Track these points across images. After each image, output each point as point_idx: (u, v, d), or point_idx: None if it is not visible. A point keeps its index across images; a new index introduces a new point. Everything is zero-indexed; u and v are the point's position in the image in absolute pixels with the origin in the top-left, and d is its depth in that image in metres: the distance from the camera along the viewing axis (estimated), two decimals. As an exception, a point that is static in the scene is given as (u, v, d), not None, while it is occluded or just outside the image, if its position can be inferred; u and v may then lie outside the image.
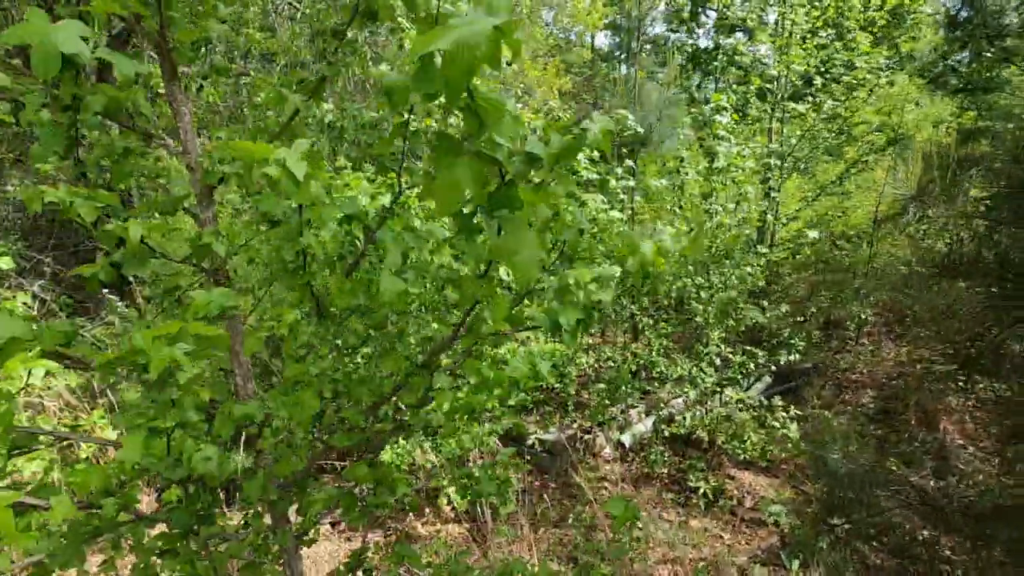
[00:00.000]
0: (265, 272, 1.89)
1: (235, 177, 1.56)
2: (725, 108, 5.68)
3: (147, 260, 1.40)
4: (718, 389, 6.13)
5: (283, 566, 2.10)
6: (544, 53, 14.11)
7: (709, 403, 6.23)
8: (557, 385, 6.32)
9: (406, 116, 1.49)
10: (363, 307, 1.51)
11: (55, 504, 1.22)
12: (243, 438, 2.45)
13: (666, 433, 5.99)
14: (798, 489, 5.57)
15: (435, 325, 1.76)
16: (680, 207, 6.26)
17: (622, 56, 24.07)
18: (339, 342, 1.74)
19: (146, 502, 4.32)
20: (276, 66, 7.30)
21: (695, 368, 6.00)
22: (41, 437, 1.57)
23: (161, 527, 1.76)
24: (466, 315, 1.49)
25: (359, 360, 1.89)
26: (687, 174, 6.27)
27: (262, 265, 1.79)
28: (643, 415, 6.75)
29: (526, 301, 1.65)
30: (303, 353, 1.55)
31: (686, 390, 6.58)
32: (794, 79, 7.59)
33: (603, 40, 24.23)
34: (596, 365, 6.83)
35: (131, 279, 5.63)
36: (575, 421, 6.37)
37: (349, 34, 1.73)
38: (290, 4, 7.86)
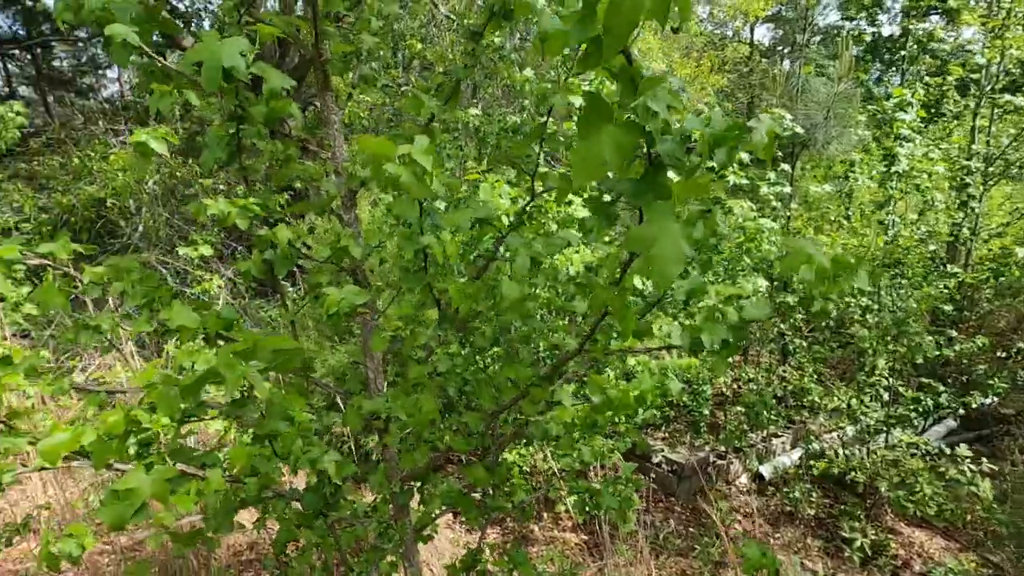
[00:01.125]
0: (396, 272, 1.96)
1: (373, 180, 1.62)
2: (910, 103, 4.88)
3: (294, 260, 1.50)
4: (884, 428, 5.30)
5: (402, 556, 2.17)
6: (698, 49, 13.38)
7: (871, 442, 5.41)
8: (690, 403, 5.92)
9: (544, 118, 1.44)
10: (486, 313, 1.49)
11: (209, 476, 1.35)
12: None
13: (815, 470, 5.31)
14: (986, 560, 4.61)
15: (561, 334, 1.70)
16: (847, 217, 5.51)
17: (784, 51, 22.02)
18: (466, 344, 1.75)
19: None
20: (434, 74, 7.76)
21: (856, 400, 5.24)
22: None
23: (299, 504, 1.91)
24: (595, 326, 1.39)
25: (488, 360, 1.88)
26: (857, 180, 5.50)
27: (392, 265, 1.86)
28: (788, 446, 6.07)
29: (660, 314, 1.51)
30: (422, 355, 1.58)
31: (843, 424, 5.78)
32: (1011, 66, 6.30)
33: (763, 34, 22.35)
34: (735, 386, 6.28)
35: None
36: (708, 443, 5.92)
37: (497, 39, 1.73)
38: (448, 17, 8.33)
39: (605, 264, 1.23)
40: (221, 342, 1.66)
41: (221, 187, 7.60)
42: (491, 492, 2.25)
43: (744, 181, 5.23)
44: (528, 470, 4.82)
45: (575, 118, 4.22)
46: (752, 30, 20.45)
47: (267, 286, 7.61)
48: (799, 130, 6.51)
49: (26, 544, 3.72)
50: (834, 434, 5.76)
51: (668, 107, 0.85)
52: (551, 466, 4.82)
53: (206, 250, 4.55)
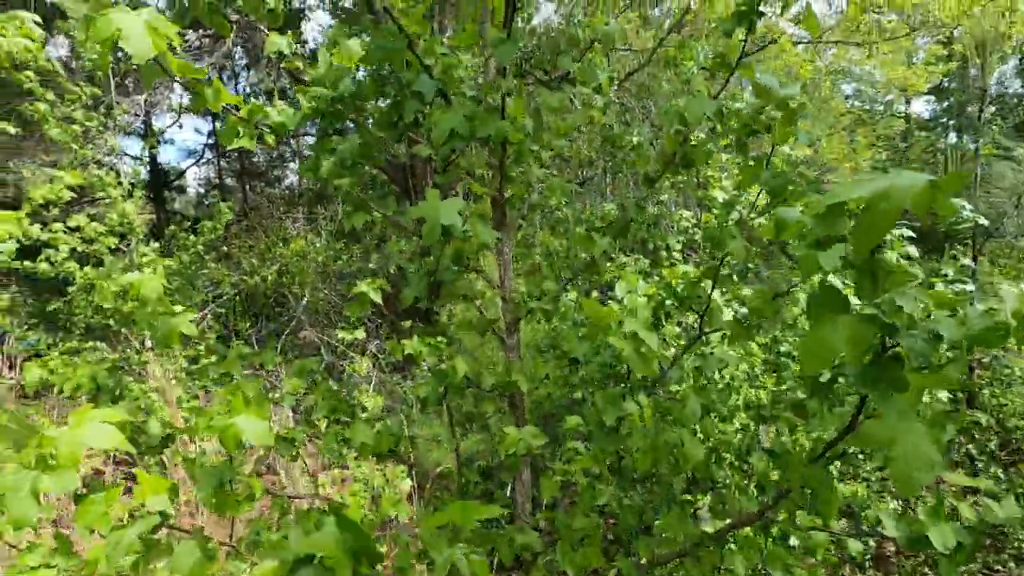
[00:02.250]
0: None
1: (541, 312, 1.68)
2: None
3: (464, 389, 1.57)
4: None
5: None
6: (845, 127, 12.63)
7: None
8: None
9: (718, 261, 1.40)
10: (660, 472, 1.42)
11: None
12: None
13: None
14: None
15: (738, 497, 1.56)
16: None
17: (949, 122, 20.01)
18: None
19: None
20: (567, 166, 8.11)
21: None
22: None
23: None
24: (779, 496, 1.26)
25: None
26: (1070, 280, 4.64)
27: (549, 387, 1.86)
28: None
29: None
30: (593, 512, 1.52)
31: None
32: None
33: (920, 106, 20.66)
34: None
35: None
36: (877, 584, 4.99)
37: (636, 139, 1.77)
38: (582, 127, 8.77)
39: (800, 433, 1.12)
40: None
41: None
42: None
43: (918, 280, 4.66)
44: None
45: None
46: (908, 103, 18.98)
47: (405, 363, 8.09)
48: (983, 220, 5.76)
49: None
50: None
51: (919, 303, 0.78)
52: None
53: (359, 334, 4.99)
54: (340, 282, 9.35)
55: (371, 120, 1.76)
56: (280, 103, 1.59)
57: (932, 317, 0.83)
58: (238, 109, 1.52)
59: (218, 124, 16.59)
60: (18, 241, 3.35)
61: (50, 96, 4.47)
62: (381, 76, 1.63)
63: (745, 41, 1.47)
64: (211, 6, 1.48)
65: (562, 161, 8.10)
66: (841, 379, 0.94)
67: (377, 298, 1.50)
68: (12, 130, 3.66)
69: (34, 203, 3.72)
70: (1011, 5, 7.00)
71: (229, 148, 1.69)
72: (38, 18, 3.21)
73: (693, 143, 1.52)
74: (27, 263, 4.57)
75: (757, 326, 1.42)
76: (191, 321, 1.49)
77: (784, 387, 3.56)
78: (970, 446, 5.07)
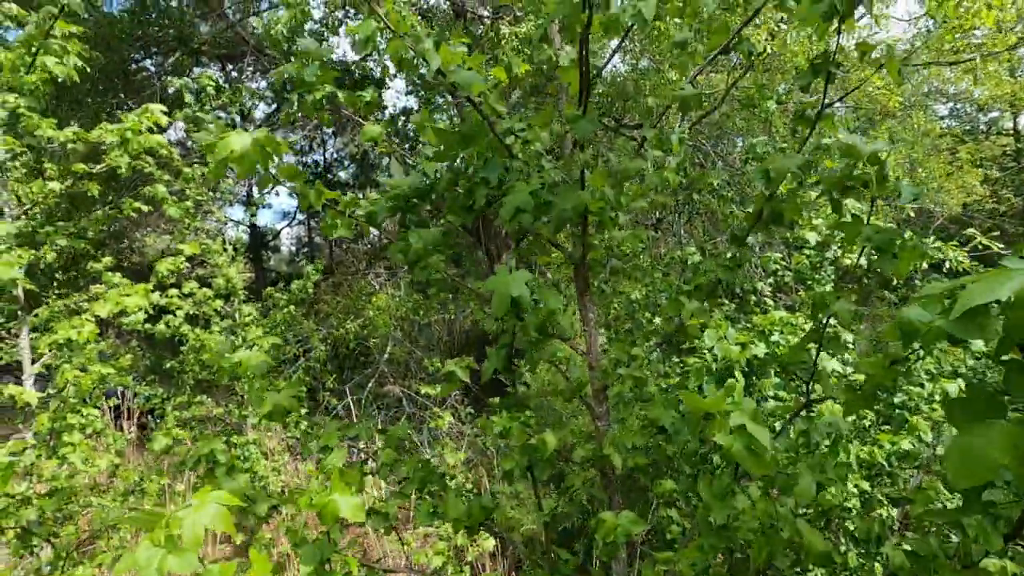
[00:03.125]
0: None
1: (630, 379, 1.62)
2: None
3: (554, 463, 1.53)
4: None
5: None
6: (946, 147, 11.71)
7: None
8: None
9: (823, 324, 1.30)
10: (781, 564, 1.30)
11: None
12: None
13: None
14: None
15: None
16: None
17: (1069, 136, 18.07)
18: None
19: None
20: (637, 221, 8.05)
21: None
22: None
23: None
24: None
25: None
26: None
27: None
28: None
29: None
30: None
31: None
32: None
33: (1032, 122, 18.90)
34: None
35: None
36: None
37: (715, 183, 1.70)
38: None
39: (984, 542, 0.97)
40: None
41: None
42: None
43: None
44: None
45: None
46: (1015, 122, 17.42)
47: (485, 411, 8.10)
48: None
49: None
50: None
51: None
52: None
53: (444, 390, 5.07)
54: (420, 334, 9.63)
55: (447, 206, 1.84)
56: (372, 193, 1.71)
57: None
58: (337, 203, 1.64)
59: (308, 188, 17.97)
60: (144, 309, 3.75)
61: (166, 176, 5.07)
62: (453, 170, 1.72)
63: (825, 92, 1.42)
64: (316, 103, 1.63)
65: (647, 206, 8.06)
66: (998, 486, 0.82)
67: (466, 377, 1.53)
68: (145, 208, 4.16)
69: (160, 275, 4.15)
70: None
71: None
72: (163, 107, 3.68)
73: (781, 198, 1.45)
74: (149, 326, 5.08)
75: (873, 394, 1.29)
76: (292, 393, 1.57)
77: (904, 445, 3.20)
78: None
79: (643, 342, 1.73)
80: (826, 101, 1.47)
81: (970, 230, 4.97)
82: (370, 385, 8.08)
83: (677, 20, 1.78)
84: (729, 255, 1.61)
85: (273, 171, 1.56)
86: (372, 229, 1.77)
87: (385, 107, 14.48)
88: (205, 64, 13.24)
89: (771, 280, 4.79)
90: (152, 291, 4.07)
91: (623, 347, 1.68)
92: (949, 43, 8.40)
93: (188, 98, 4.78)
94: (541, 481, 1.91)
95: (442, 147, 1.69)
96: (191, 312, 5.50)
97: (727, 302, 5.76)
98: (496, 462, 5.63)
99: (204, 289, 5.62)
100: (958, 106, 17.34)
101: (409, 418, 7.68)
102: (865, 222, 1.25)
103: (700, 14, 1.68)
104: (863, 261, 1.95)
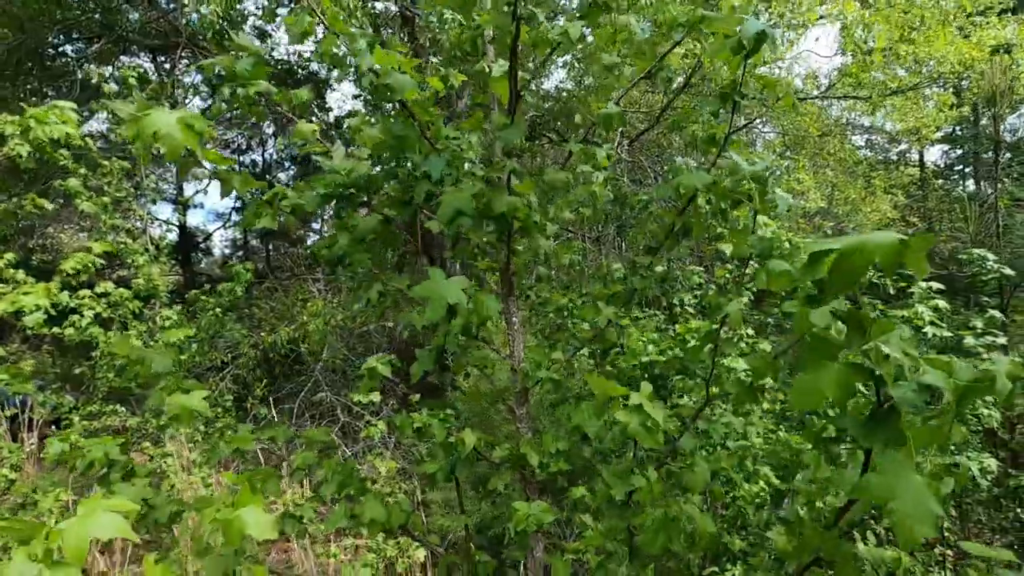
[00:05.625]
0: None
1: (548, 382, 1.67)
2: None
3: (475, 462, 1.55)
4: None
5: None
6: (862, 173, 12.70)
7: None
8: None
9: (718, 326, 1.39)
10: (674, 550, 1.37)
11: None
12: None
13: None
14: None
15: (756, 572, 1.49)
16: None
17: (965, 170, 20.01)
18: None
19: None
20: (574, 234, 8.23)
21: None
22: None
23: None
24: (801, 570, 1.20)
25: None
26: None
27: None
28: None
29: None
30: None
31: None
32: None
33: (935, 155, 20.75)
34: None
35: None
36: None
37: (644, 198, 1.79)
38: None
39: (813, 496, 1.09)
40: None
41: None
42: None
43: (946, 333, 4.57)
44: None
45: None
46: (921, 154, 19.11)
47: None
48: (1008, 271, 5.66)
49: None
50: None
51: (904, 352, 0.79)
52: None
53: (375, 396, 4.98)
54: (359, 341, 9.41)
55: (386, 199, 1.84)
56: (300, 183, 1.68)
57: (921, 370, 0.83)
58: (262, 193, 1.60)
59: (244, 188, 17.30)
60: (45, 309, 3.48)
61: (82, 170, 4.74)
62: (393, 164, 1.72)
63: (732, 117, 1.54)
64: (248, 98, 1.59)
65: (578, 219, 8.26)
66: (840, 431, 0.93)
67: (387, 373, 1.52)
68: (49, 206, 3.86)
69: (64, 273, 3.87)
70: (1012, 61, 7.14)
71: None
72: (74, 106, 3.45)
73: (690, 216, 1.56)
74: (56, 328, 4.71)
75: (761, 388, 1.40)
76: (204, 395, 1.51)
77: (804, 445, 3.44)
78: (1020, 510, 4.78)
79: (564, 346, 1.79)
80: (736, 126, 1.58)
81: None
82: (302, 393, 7.81)
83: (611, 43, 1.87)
84: (645, 265, 1.70)
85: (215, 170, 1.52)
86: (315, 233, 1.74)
87: (330, 109, 14.17)
88: (134, 54, 12.53)
89: (698, 292, 5.04)
90: (61, 290, 3.79)
91: (543, 351, 1.73)
92: (864, 80, 9.14)
93: (108, 88, 4.51)
94: (467, 483, 1.91)
95: (380, 148, 1.69)
96: (106, 314, 5.14)
97: (658, 313, 6.02)
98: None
99: (121, 290, 5.28)
100: (872, 137, 18.88)
101: (343, 427, 7.48)
102: (751, 232, 1.36)
103: (631, 41, 1.78)
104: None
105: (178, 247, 14.39)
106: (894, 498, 0.83)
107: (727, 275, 4.39)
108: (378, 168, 1.81)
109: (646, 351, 3.79)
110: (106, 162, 4.94)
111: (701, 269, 4.86)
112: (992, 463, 4.02)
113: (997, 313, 5.59)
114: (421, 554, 4.49)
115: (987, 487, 4.44)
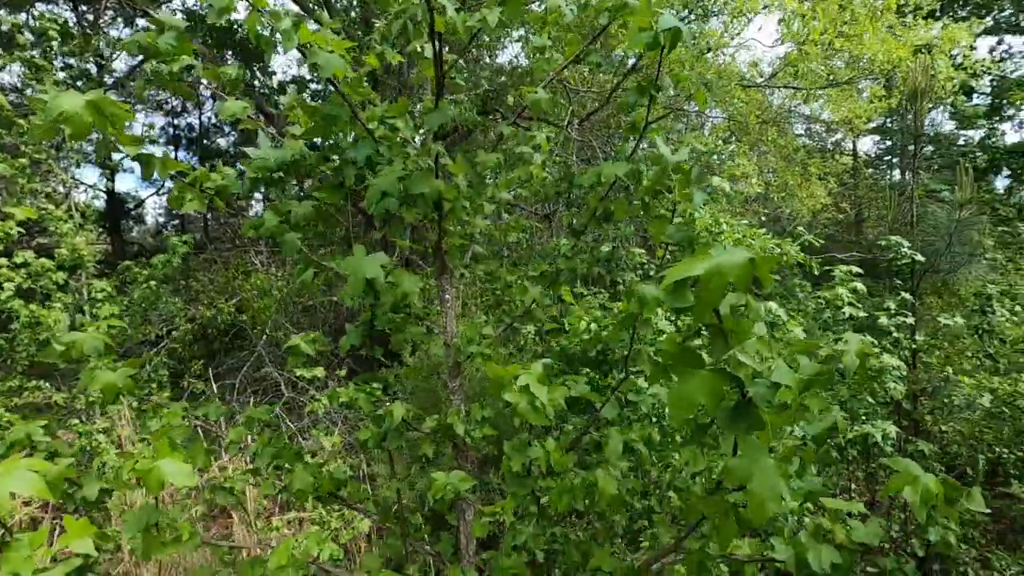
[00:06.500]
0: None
1: (480, 357, 1.75)
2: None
3: (403, 433, 1.62)
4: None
5: None
6: (800, 160, 13.32)
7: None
8: None
9: (637, 312, 1.50)
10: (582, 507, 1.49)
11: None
12: None
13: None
14: None
15: (660, 528, 1.64)
16: (991, 354, 4.95)
17: (893, 160, 21.28)
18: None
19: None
20: (521, 209, 8.29)
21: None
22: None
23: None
24: (690, 529, 1.34)
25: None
26: (995, 312, 4.98)
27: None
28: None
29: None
30: (519, 551, 1.58)
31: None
32: None
33: (867, 144, 21.91)
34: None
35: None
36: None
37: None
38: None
39: (692, 463, 1.22)
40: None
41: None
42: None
43: (861, 314, 4.94)
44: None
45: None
46: (855, 144, 20.15)
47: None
48: (919, 257, 6.12)
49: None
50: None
51: (759, 356, 0.90)
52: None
53: (319, 371, 4.96)
54: (304, 316, 9.23)
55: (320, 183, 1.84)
56: (224, 168, 1.66)
57: (772, 368, 0.95)
58: (185, 175, 1.57)
59: (180, 152, 16.35)
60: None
61: (-5, 130, 4.41)
62: (324, 147, 1.73)
63: (648, 110, 1.63)
64: (173, 75, 1.55)
65: (528, 197, 8.32)
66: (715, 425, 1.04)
67: (311, 351, 1.56)
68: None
69: (-23, 242, 3.63)
70: (931, 62, 7.59)
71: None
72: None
73: (611, 201, 1.65)
74: (-32, 300, 4.42)
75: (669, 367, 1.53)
76: (130, 372, 1.50)
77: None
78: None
79: (495, 323, 1.87)
80: (656, 116, 1.67)
81: (799, 229, 5.78)
82: (244, 369, 7.64)
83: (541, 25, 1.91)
84: (571, 247, 1.79)
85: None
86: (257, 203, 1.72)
87: (274, 73, 13.51)
88: (52, 2, 11.53)
89: (639, 272, 5.23)
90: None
91: (475, 327, 1.80)
92: (802, 70, 9.52)
93: (23, 40, 4.19)
94: (409, 457, 1.97)
95: (311, 132, 1.68)
96: (27, 286, 4.85)
97: (603, 291, 6.22)
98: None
99: (43, 260, 4.99)
100: (811, 126, 19.74)
101: (287, 403, 7.39)
102: (671, 221, 1.47)
103: (560, 23, 1.82)
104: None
105: (106, 214, 13.56)
106: (750, 480, 0.95)
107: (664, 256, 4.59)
108: (313, 150, 1.80)
109: (588, 329, 3.94)
110: (22, 120, 4.60)
111: (643, 251, 5.06)
112: (893, 430, 4.42)
113: (908, 295, 6.07)
114: (365, 526, 4.56)
115: (890, 452, 4.90)
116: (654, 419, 2.84)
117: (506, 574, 1.48)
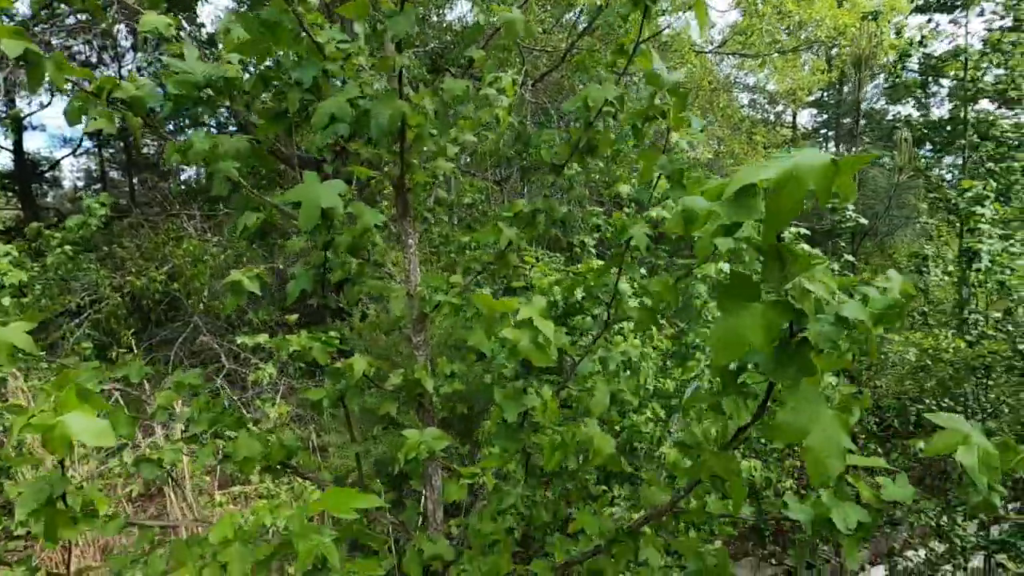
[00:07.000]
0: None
1: (448, 306, 1.58)
2: (987, 196, 4.67)
3: (364, 391, 1.44)
4: (984, 551, 4.68)
5: None
6: (745, 130, 13.58)
7: (967, 564, 4.78)
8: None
9: (623, 250, 1.37)
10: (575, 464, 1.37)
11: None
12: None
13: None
14: None
15: (654, 488, 1.55)
16: (923, 313, 5.20)
17: (828, 133, 22.17)
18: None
19: None
20: (473, 175, 8.05)
21: (947, 519, 4.68)
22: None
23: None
24: (691, 486, 1.25)
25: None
26: (930, 273, 5.23)
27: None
28: (867, 564, 5.45)
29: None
30: (503, 515, 1.45)
31: (933, 545, 5.18)
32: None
33: (805, 118, 22.67)
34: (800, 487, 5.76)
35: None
36: (773, 557, 5.37)
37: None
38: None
39: (714, 423, 1.11)
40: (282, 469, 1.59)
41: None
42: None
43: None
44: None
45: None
46: (795, 116, 20.81)
47: (314, 367, 7.67)
48: (863, 220, 6.33)
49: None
50: (922, 552, 5.15)
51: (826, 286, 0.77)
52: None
53: (262, 338, 4.65)
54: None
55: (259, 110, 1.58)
56: (141, 78, 1.38)
57: (837, 300, 0.83)
58: (88, 83, 1.29)
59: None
60: None
61: None
62: (267, 67, 1.47)
63: (642, 27, 1.47)
64: None
65: (481, 159, 8.06)
66: (750, 368, 0.92)
67: (254, 287, 1.35)
68: None
69: None
70: (878, 29, 7.78)
71: (115, 137, 1.45)
72: None
73: (598, 131, 1.50)
74: None
75: (661, 312, 1.41)
76: (28, 327, 1.25)
77: (692, 375, 3.72)
78: (863, 438, 5.54)
79: (463, 270, 1.71)
80: (642, 38, 1.52)
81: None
82: (179, 340, 7.15)
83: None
84: (550, 184, 1.64)
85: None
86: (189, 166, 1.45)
87: (202, 25, 12.42)
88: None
89: (596, 234, 5.15)
90: None
91: (441, 276, 1.63)
92: (754, 38, 9.59)
93: None
94: (366, 422, 1.80)
95: (248, 47, 1.43)
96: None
97: (559, 255, 6.13)
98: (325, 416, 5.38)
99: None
100: (755, 97, 20.22)
101: (228, 375, 6.98)
102: (662, 152, 1.33)
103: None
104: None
105: (15, 175, 12.29)
106: (810, 435, 0.81)
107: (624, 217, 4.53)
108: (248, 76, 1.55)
109: (552, 290, 3.84)
110: None
111: (601, 210, 4.96)
112: (835, 382, 4.58)
113: (850, 257, 6.30)
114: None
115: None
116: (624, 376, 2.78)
117: (486, 540, 1.35)
